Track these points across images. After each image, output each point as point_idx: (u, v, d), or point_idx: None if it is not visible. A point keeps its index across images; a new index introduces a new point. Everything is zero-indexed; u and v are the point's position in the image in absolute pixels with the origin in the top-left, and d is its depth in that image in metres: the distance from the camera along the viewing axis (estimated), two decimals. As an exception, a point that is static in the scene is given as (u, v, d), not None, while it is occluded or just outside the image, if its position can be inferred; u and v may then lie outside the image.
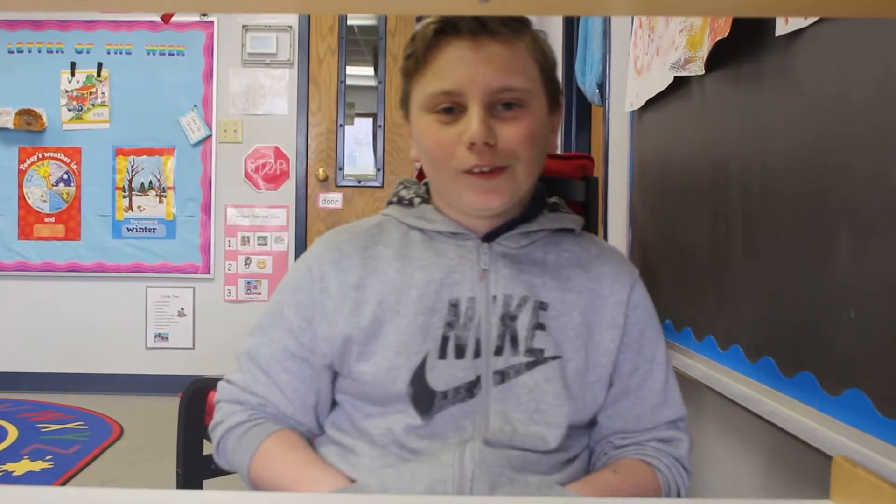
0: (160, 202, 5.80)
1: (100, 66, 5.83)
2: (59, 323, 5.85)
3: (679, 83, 1.83)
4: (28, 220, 5.86)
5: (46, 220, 5.86)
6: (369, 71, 6.16)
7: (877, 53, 1.06)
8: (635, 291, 1.37)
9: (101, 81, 5.83)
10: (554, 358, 1.27)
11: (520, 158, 1.25)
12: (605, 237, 2.83)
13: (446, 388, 1.25)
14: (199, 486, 2.62)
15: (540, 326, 1.27)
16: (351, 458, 1.29)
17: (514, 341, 1.26)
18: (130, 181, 5.82)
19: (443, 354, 1.25)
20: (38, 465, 4.07)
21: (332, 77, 5.89)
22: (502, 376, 1.25)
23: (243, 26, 5.75)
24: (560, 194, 2.17)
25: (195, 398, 2.65)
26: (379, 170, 5.87)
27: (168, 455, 2.76)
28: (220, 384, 1.41)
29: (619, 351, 1.33)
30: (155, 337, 5.85)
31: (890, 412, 1.01)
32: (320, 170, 5.75)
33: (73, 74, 5.84)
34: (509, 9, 0.68)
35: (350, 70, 5.96)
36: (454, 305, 1.27)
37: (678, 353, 1.81)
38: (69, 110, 5.83)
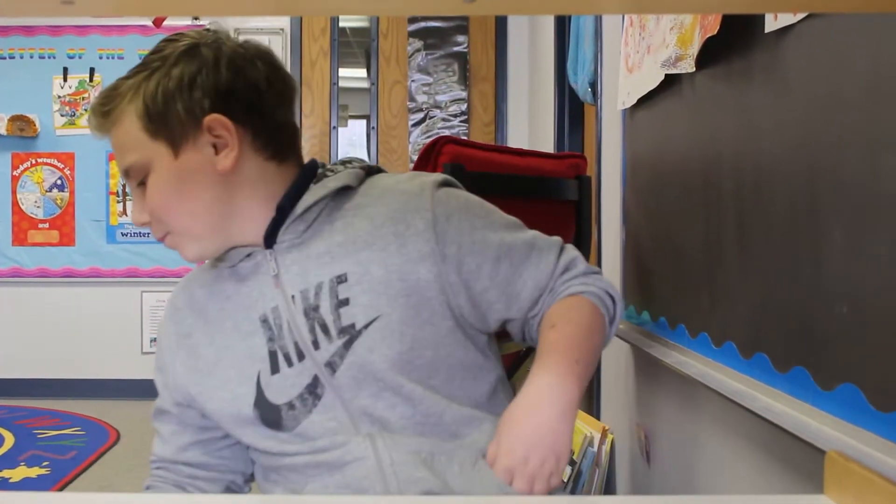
0: (154, 206, 5.79)
1: (92, 70, 5.83)
2: (54, 329, 5.84)
3: (670, 81, 1.83)
4: (22, 226, 5.85)
5: (40, 225, 5.85)
6: (362, 73, 6.16)
7: (866, 49, 1.07)
8: (436, 209, 1.32)
9: (93, 86, 5.83)
10: (368, 325, 1.25)
11: (168, 220, 1.31)
12: (599, 236, 2.84)
13: (289, 398, 1.28)
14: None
15: (343, 303, 1.26)
16: (291, 486, 1.33)
17: (325, 329, 1.27)
18: (124, 186, 5.81)
19: (275, 369, 1.29)
20: (34, 472, 4.07)
21: (324, 79, 5.89)
22: (331, 367, 1.26)
23: (235, 29, 5.73)
24: (553, 193, 2.18)
25: (191, 402, 2.65)
26: (373, 171, 5.87)
27: (165, 459, 2.75)
28: None
29: (449, 270, 1.31)
30: (151, 342, 5.85)
31: (883, 406, 1.01)
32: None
33: (65, 80, 5.84)
34: (497, 9, 0.69)
35: (343, 72, 5.96)
36: (264, 321, 1.31)
37: (672, 351, 1.82)
38: (62, 116, 5.83)
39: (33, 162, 5.85)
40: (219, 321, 1.36)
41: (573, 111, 4.38)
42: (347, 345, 1.25)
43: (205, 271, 1.44)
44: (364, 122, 6.02)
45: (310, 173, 1.38)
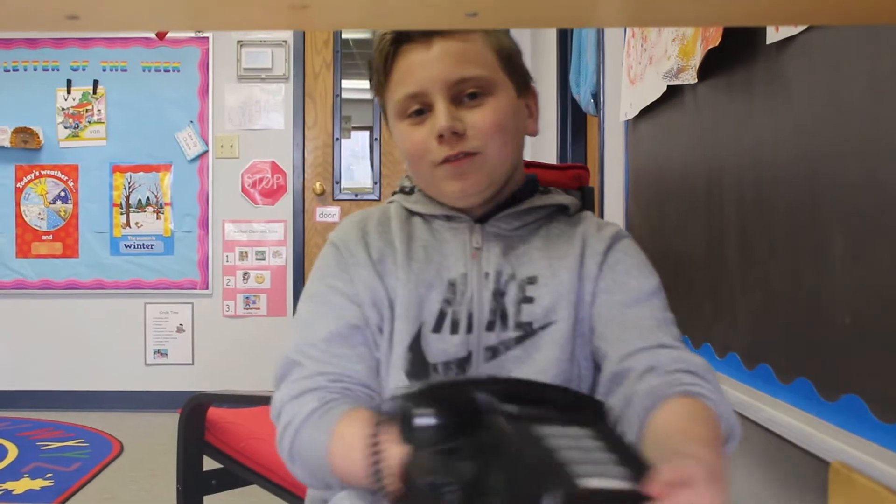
0: (158, 218, 5.80)
1: (95, 83, 5.84)
2: (58, 340, 5.84)
3: (672, 92, 1.83)
4: (26, 238, 5.86)
5: (44, 237, 5.86)
6: (365, 84, 6.16)
7: (867, 60, 1.07)
8: (619, 242, 1.37)
9: (97, 98, 5.84)
10: (544, 327, 1.27)
11: (489, 142, 1.30)
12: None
13: (437, 360, 1.28)
14: (200, 502, 2.62)
15: (527, 300, 1.29)
16: None
17: (504, 316, 1.28)
18: (128, 198, 5.82)
19: (438, 328, 1.29)
20: (38, 484, 4.06)
21: (327, 91, 5.90)
22: (493, 352, 1.28)
23: (238, 42, 5.76)
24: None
25: (194, 414, 2.65)
26: (376, 183, 5.88)
27: (168, 471, 2.76)
28: (274, 396, 1.36)
29: (598, 296, 1.31)
30: (154, 353, 5.85)
31: (887, 417, 1.01)
32: (317, 184, 5.75)
33: (69, 92, 5.85)
34: (498, 22, 0.69)
35: (346, 84, 5.97)
36: (451, 284, 1.32)
37: (676, 362, 1.82)
38: (65, 128, 5.84)
39: (37, 174, 5.85)
40: (410, 260, 1.35)
41: (576, 122, 4.38)
42: (521, 339, 1.27)
43: (394, 210, 1.44)
44: (367, 133, 6.03)
45: (536, 181, 1.44)
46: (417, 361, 1.29)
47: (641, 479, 0.71)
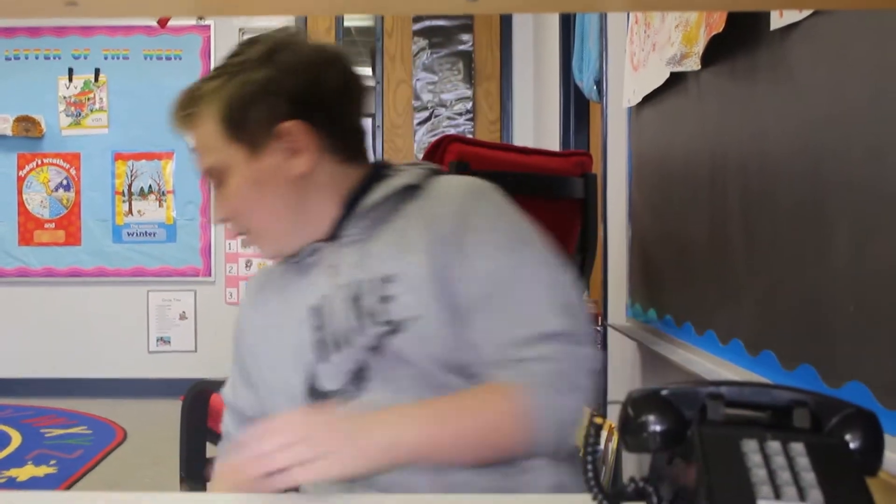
0: (160, 206, 5.80)
1: (97, 71, 5.83)
2: (61, 328, 5.85)
3: (675, 78, 1.83)
4: (28, 227, 5.86)
5: (46, 225, 5.86)
6: (367, 72, 6.15)
7: (871, 46, 1.06)
8: (471, 217, 1.30)
9: (98, 87, 5.84)
10: (412, 320, 1.25)
11: (250, 218, 1.35)
12: (605, 233, 2.83)
13: (340, 385, 1.29)
14: (203, 489, 2.62)
15: (386, 299, 1.27)
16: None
17: (372, 315, 1.27)
18: (130, 186, 5.82)
19: (324, 357, 1.31)
20: (42, 470, 4.07)
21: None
22: (376, 351, 1.27)
23: (240, 29, 5.75)
24: (559, 191, 2.18)
25: (197, 401, 2.65)
26: (378, 170, 5.87)
27: (172, 458, 2.76)
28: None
29: (460, 286, 1.27)
30: (157, 340, 5.86)
31: (891, 403, 1.01)
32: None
33: (70, 80, 5.84)
34: (501, 7, 0.69)
35: (347, 71, 5.96)
36: (315, 309, 1.33)
37: (679, 348, 1.82)
38: (67, 116, 5.84)
39: (39, 162, 5.85)
40: (278, 312, 1.40)
41: (579, 109, 4.37)
42: (386, 336, 1.26)
43: (276, 265, 1.47)
44: (369, 120, 6.02)
45: (377, 172, 1.40)
46: (319, 398, 1.31)
47: (839, 502, 0.70)
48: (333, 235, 1.36)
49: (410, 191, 1.36)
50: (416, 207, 1.34)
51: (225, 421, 1.47)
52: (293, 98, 1.31)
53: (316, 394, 1.31)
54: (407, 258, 1.29)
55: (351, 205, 1.35)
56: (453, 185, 1.37)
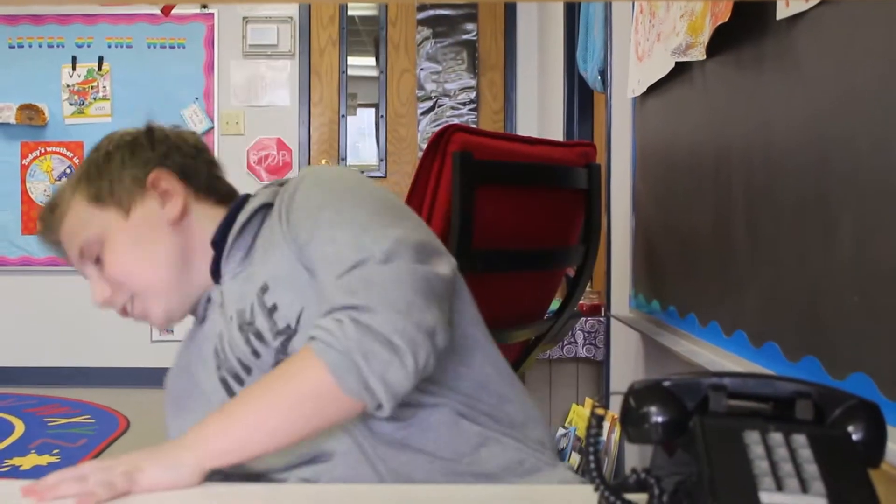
0: (163, 195, 5.79)
1: (101, 59, 5.83)
2: (64, 317, 5.85)
3: (681, 69, 1.82)
4: (31, 215, 5.86)
5: (50, 214, 5.86)
6: (371, 61, 6.15)
7: (879, 36, 1.06)
8: (295, 195, 1.27)
9: (102, 75, 5.83)
10: (298, 319, 1.23)
11: (133, 281, 1.35)
12: (609, 224, 2.83)
13: None
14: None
15: (273, 310, 1.25)
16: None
17: (260, 337, 1.26)
18: (133, 175, 5.81)
19: (231, 393, 1.31)
20: (45, 459, 4.08)
21: (333, 68, 5.88)
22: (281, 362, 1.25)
23: (244, 18, 5.74)
24: (562, 182, 2.18)
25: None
26: (382, 160, 5.87)
27: (174, 447, 2.75)
28: None
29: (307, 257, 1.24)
30: (160, 330, 5.85)
31: (895, 395, 1.01)
32: (323, 161, 5.74)
33: (73, 69, 5.84)
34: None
35: (351, 60, 5.96)
36: (215, 351, 1.34)
37: (682, 340, 1.81)
38: (71, 104, 5.83)
39: (42, 151, 5.85)
40: (194, 371, 1.42)
41: (583, 99, 4.36)
42: (286, 343, 1.24)
43: (192, 328, 1.48)
44: (373, 110, 6.01)
45: (238, 204, 1.40)
46: None
47: (840, 496, 0.69)
48: (216, 278, 1.37)
49: (266, 209, 1.36)
50: (270, 219, 1.33)
51: None
52: (154, 160, 1.39)
53: None
54: (271, 262, 1.28)
55: (219, 243, 1.36)
56: (293, 179, 1.35)
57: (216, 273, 1.36)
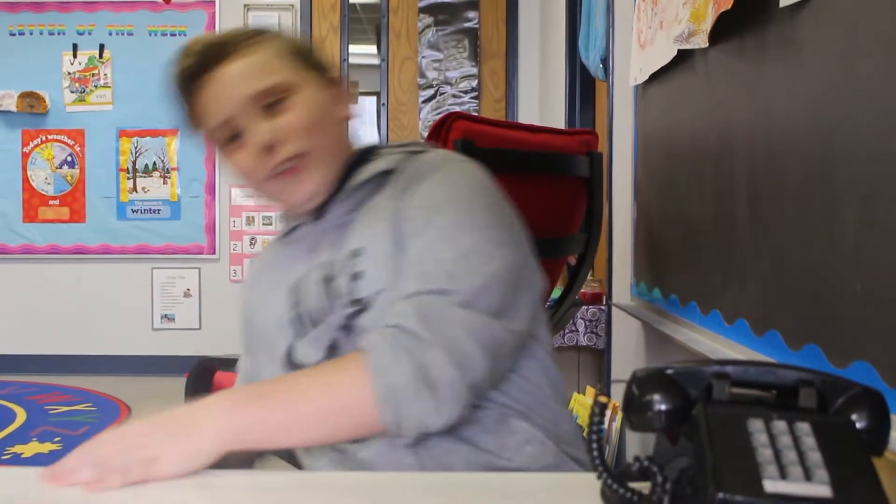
0: (164, 183, 5.80)
1: (101, 47, 5.82)
2: (65, 305, 5.86)
3: (683, 56, 1.81)
4: (32, 203, 5.86)
5: (51, 202, 5.86)
6: (372, 49, 6.14)
7: (882, 23, 1.05)
8: (409, 198, 1.28)
9: (103, 63, 5.82)
10: (374, 296, 1.23)
11: (309, 138, 1.31)
12: (610, 212, 2.83)
13: (314, 360, 1.29)
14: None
15: (357, 276, 1.26)
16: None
17: (339, 296, 1.27)
18: (134, 162, 5.82)
19: (301, 334, 1.32)
20: (46, 447, 4.09)
21: (334, 56, 5.87)
22: (347, 330, 1.27)
23: (245, 5, 5.73)
24: (564, 170, 2.17)
25: (201, 378, 2.65)
26: (383, 148, 5.86)
27: (175, 435, 2.75)
28: None
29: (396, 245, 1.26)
30: (161, 318, 5.86)
31: (897, 384, 1.01)
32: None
33: (74, 56, 5.83)
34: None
35: (353, 49, 5.94)
36: (293, 288, 1.34)
37: (683, 328, 1.81)
38: (72, 92, 5.83)
39: (43, 139, 5.85)
40: (266, 287, 1.42)
41: (584, 87, 4.36)
42: (355, 315, 1.25)
43: (271, 244, 1.50)
44: (374, 98, 6.00)
45: (363, 156, 1.41)
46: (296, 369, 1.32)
47: (844, 484, 0.69)
48: (319, 215, 1.37)
49: (387, 175, 1.36)
50: (390, 187, 1.33)
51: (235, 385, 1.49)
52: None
53: (294, 366, 1.32)
54: (373, 231, 1.28)
55: (338, 186, 1.36)
56: (424, 160, 1.37)
57: (320, 210, 1.36)
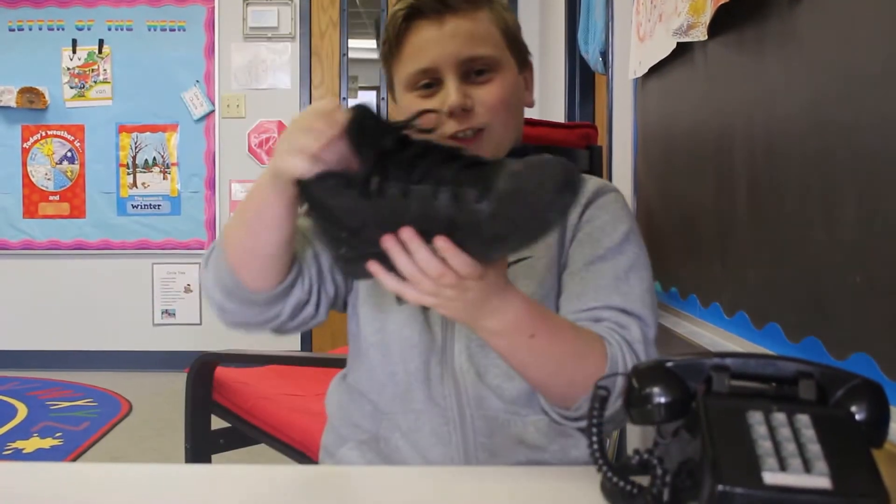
0: (164, 178, 5.80)
1: (101, 42, 5.82)
2: (66, 301, 5.86)
3: (682, 49, 1.81)
4: (33, 199, 5.86)
5: (51, 198, 5.86)
6: (372, 44, 6.14)
7: (882, 15, 1.05)
8: (601, 197, 1.41)
9: (102, 58, 5.82)
10: (519, 260, 1.28)
11: (496, 116, 1.37)
12: (610, 206, 2.82)
13: None
14: (208, 461, 2.63)
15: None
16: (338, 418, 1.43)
17: None
18: (134, 158, 5.82)
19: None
20: (47, 443, 4.09)
21: (334, 50, 5.87)
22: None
23: (244, 0, 5.72)
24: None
25: (202, 373, 2.66)
26: (383, 143, 5.85)
27: (176, 430, 2.77)
28: None
29: (572, 246, 1.37)
30: (162, 313, 5.87)
31: (896, 376, 1.01)
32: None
33: (74, 52, 5.83)
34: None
35: (352, 43, 5.94)
36: None
37: (684, 321, 1.81)
38: (71, 88, 5.83)
39: (43, 134, 5.85)
40: None
41: (584, 81, 4.35)
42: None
43: None
44: (374, 93, 6.00)
45: (525, 148, 1.44)
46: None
47: (843, 475, 0.69)
48: None
49: None
50: None
51: None
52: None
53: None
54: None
55: None
56: (593, 178, 1.47)
57: None
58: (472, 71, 1.36)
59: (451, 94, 1.33)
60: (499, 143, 1.38)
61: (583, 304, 1.30)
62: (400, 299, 1.04)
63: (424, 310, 1.33)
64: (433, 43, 1.35)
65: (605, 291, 1.30)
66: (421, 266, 0.99)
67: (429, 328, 1.34)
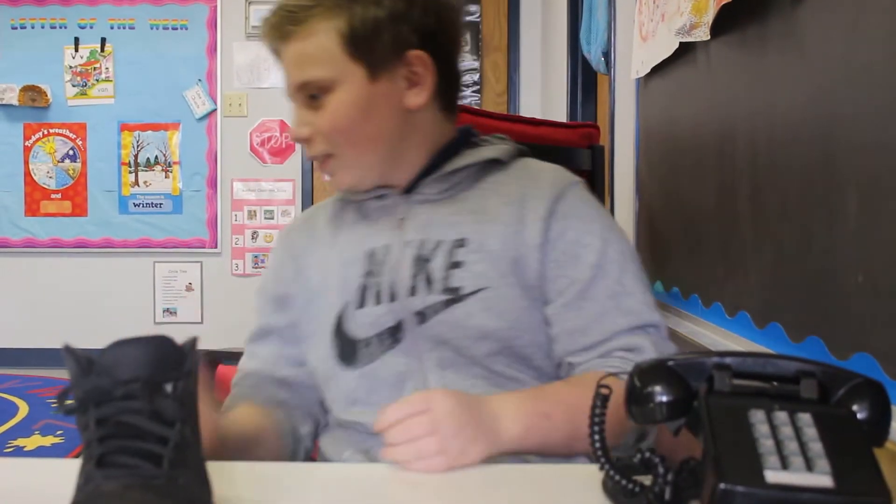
0: (166, 177, 5.80)
1: (103, 41, 5.82)
2: (67, 299, 5.86)
3: (684, 49, 1.81)
4: (34, 197, 5.86)
5: (53, 196, 5.86)
6: (373, 42, 6.13)
7: (886, 14, 1.05)
8: (561, 202, 1.33)
9: (104, 57, 5.82)
10: (475, 292, 1.25)
11: (332, 143, 1.32)
12: (612, 206, 2.82)
13: (368, 335, 1.29)
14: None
15: (456, 265, 1.27)
16: (337, 433, 1.37)
17: (429, 281, 1.27)
18: (136, 156, 5.82)
19: (361, 303, 1.30)
20: (49, 440, 4.10)
21: (336, 49, 5.86)
22: (422, 316, 1.27)
23: (247, 0, 5.72)
24: (565, 163, 2.17)
25: (203, 372, 2.66)
26: (384, 142, 5.86)
27: (178, 428, 2.76)
28: None
29: (548, 268, 1.30)
30: (163, 312, 5.87)
31: (898, 376, 1.01)
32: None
33: (76, 50, 5.83)
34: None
35: (354, 42, 5.93)
36: (370, 255, 1.32)
37: (686, 321, 1.81)
38: (73, 86, 5.83)
39: (45, 132, 5.85)
40: (328, 245, 1.40)
41: (586, 80, 4.35)
42: (448, 304, 1.26)
43: (331, 202, 1.48)
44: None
45: (465, 137, 1.42)
46: (344, 343, 1.31)
47: (845, 474, 0.69)
48: (409, 189, 1.36)
49: (493, 164, 1.37)
50: (497, 182, 1.36)
51: (247, 351, 1.46)
52: (421, 29, 1.30)
53: (341, 336, 1.31)
54: (484, 227, 1.29)
55: (435, 162, 1.36)
56: (543, 169, 1.40)
57: (413, 184, 1.36)
58: (309, 96, 1.31)
59: (293, 123, 1.33)
60: (352, 165, 1.33)
61: (588, 339, 1.26)
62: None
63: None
64: (283, 68, 1.34)
65: (608, 318, 1.27)
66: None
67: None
